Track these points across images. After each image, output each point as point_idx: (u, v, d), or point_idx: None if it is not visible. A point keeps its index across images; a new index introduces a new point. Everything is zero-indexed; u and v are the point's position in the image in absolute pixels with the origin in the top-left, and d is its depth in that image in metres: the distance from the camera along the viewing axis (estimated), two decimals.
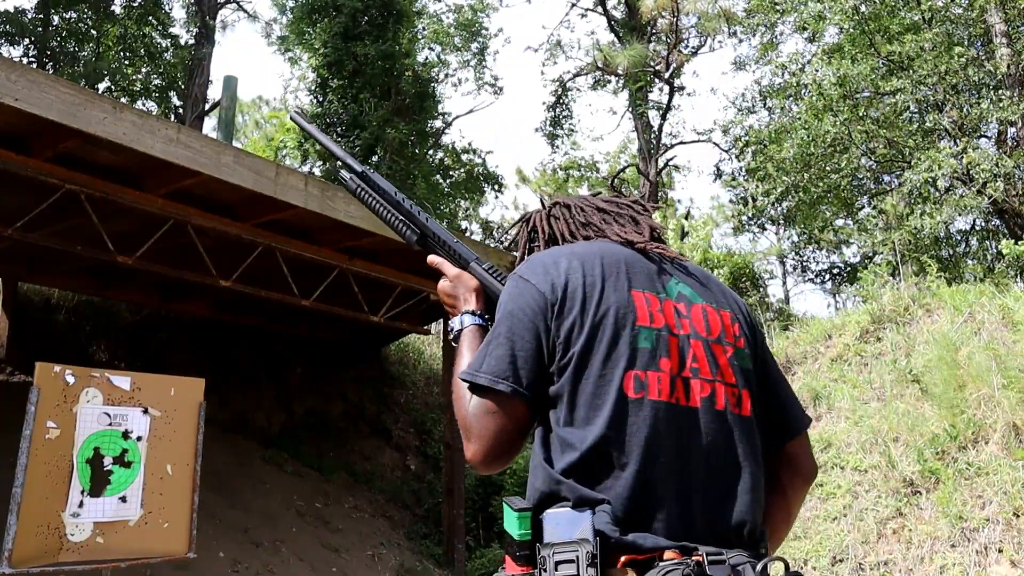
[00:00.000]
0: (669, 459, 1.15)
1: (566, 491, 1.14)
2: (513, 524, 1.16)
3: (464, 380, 1.22)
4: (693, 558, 1.08)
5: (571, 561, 1.07)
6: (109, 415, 3.66)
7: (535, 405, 1.21)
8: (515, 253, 1.56)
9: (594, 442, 1.15)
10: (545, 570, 1.08)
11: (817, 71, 11.77)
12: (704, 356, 1.23)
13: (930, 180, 10.15)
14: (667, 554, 1.09)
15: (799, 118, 12.20)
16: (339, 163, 1.65)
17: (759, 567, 1.08)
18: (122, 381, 3.76)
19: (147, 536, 3.69)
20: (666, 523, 1.13)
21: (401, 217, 1.57)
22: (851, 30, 11.67)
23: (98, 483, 3.57)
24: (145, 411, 3.81)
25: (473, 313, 1.42)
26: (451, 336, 1.43)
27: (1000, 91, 10.43)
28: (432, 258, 1.54)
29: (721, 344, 1.26)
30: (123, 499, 3.64)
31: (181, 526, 3.84)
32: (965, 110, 10.52)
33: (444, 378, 7.18)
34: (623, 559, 1.10)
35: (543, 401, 1.23)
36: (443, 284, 1.49)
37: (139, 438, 3.77)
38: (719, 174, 17.95)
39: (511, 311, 1.25)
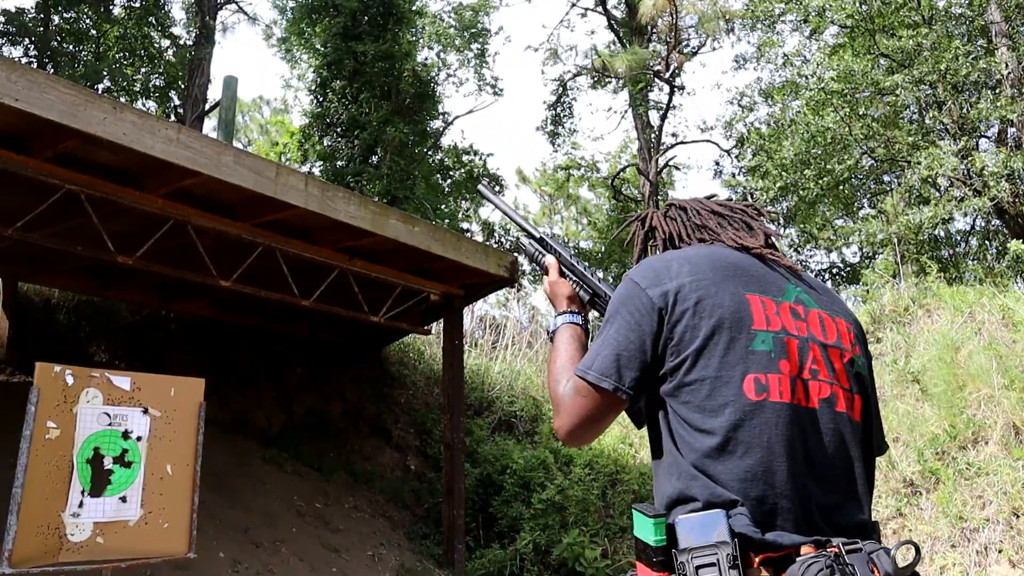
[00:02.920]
0: (793, 459, 1.18)
1: (697, 490, 1.18)
2: (648, 530, 1.19)
3: (577, 375, 1.31)
4: (829, 550, 1.10)
5: (712, 564, 1.09)
6: (109, 415, 3.66)
7: (635, 400, 1.30)
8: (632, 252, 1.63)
9: (719, 443, 1.19)
10: (685, 574, 1.11)
11: (819, 66, 11.77)
12: (822, 359, 1.26)
13: (930, 179, 10.14)
14: (803, 549, 1.12)
15: (800, 113, 12.21)
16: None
17: (893, 552, 1.12)
18: (122, 381, 3.76)
19: (147, 536, 3.69)
20: (793, 521, 1.16)
21: (531, 238, 1.76)
22: (852, 28, 11.67)
23: (98, 483, 3.57)
24: (145, 411, 3.81)
25: (568, 312, 1.56)
26: (548, 334, 1.56)
27: (1000, 90, 10.43)
28: (548, 259, 1.69)
29: (838, 349, 1.29)
30: (123, 499, 3.64)
31: (181, 526, 3.84)
32: (965, 109, 10.52)
33: (444, 378, 7.18)
34: (759, 559, 1.12)
35: (654, 400, 1.30)
36: (545, 286, 1.66)
37: (139, 438, 3.77)
38: (719, 171, 17.95)
39: (621, 313, 1.31)
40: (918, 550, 1.15)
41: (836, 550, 1.10)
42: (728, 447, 1.18)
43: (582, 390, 1.30)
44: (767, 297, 1.28)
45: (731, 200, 1.53)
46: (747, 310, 1.25)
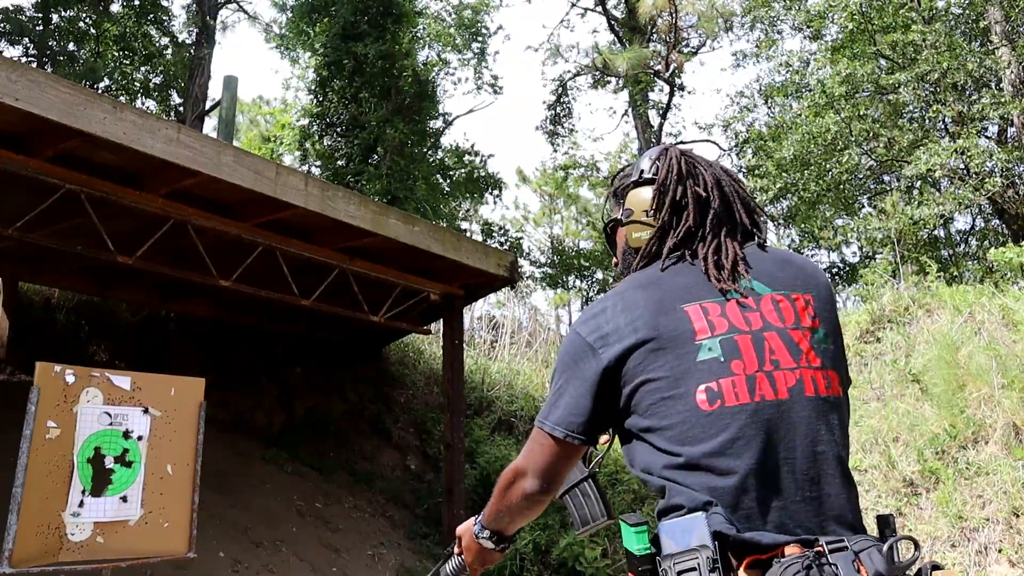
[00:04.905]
0: (765, 456, 1.17)
1: (677, 499, 1.18)
2: (631, 540, 1.19)
3: (536, 425, 1.37)
4: (814, 549, 1.08)
5: (693, 569, 1.08)
6: (110, 415, 3.66)
7: (588, 443, 1.33)
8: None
9: (683, 462, 1.18)
10: None
11: (820, 69, 11.78)
12: (783, 346, 1.23)
13: (929, 177, 10.14)
14: (788, 549, 1.09)
15: (800, 115, 12.21)
16: None
17: (885, 548, 1.08)
18: (122, 381, 3.76)
19: (147, 536, 3.69)
20: (778, 518, 1.14)
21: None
22: (852, 29, 11.66)
23: (99, 483, 3.57)
24: (145, 411, 3.81)
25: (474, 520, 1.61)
26: (489, 538, 1.58)
27: (1000, 89, 10.43)
28: (456, 559, 1.72)
29: (799, 329, 1.26)
30: (124, 499, 3.65)
31: (181, 526, 3.84)
32: (965, 108, 10.52)
33: (444, 378, 7.18)
34: (746, 561, 1.10)
35: (624, 434, 1.32)
36: (467, 556, 1.65)
37: (140, 438, 3.77)
38: None
39: (567, 363, 1.34)
40: (917, 545, 1.11)
41: (820, 548, 1.07)
42: (692, 463, 1.18)
43: (539, 438, 1.35)
44: (708, 302, 1.26)
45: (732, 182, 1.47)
46: (686, 324, 1.24)
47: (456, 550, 1.68)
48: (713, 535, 1.10)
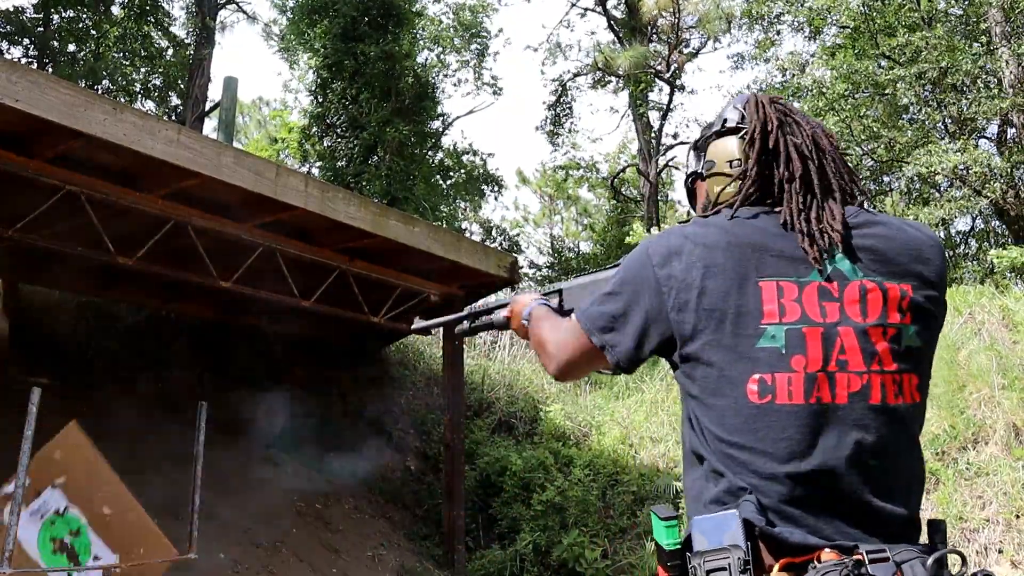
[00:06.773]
0: (808, 460, 1.10)
1: (709, 489, 1.14)
2: (661, 533, 1.14)
3: (575, 316, 1.33)
4: (853, 557, 1.02)
5: (723, 569, 1.04)
6: (36, 510, 3.79)
7: (619, 366, 1.27)
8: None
9: (724, 448, 1.13)
10: None
11: (819, 71, 11.78)
12: (855, 346, 1.12)
13: (928, 177, 10.14)
14: (824, 554, 1.04)
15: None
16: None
17: (930, 561, 1.02)
18: (9, 487, 3.84)
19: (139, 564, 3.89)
20: (815, 523, 1.09)
21: (482, 313, 1.84)
22: (854, 29, 11.66)
23: (73, 559, 3.79)
24: (53, 486, 3.90)
25: (538, 299, 1.61)
26: (524, 319, 1.58)
27: (1000, 91, 10.43)
28: (502, 312, 1.76)
29: (881, 327, 1.13)
30: (96, 558, 3.88)
31: (154, 536, 4.01)
32: (964, 107, 10.52)
33: (444, 377, 7.18)
34: (781, 563, 1.05)
35: (682, 392, 1.25)
36: (512, 323, 1.68)
37: (66, 508, 3.90)
38: None
39: (628, 280, 1.25)
40: (964, 559, 1.06)
41: (860, 557, 1.01)
42: (732, 454, 1.12)
43: (576, 336, 1.31)
44: (787, 280, 1.14)
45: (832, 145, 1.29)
46: (756, 303, 1.13)
47: (506, 312, 1.71)
48: (744, 523, 1.05)
